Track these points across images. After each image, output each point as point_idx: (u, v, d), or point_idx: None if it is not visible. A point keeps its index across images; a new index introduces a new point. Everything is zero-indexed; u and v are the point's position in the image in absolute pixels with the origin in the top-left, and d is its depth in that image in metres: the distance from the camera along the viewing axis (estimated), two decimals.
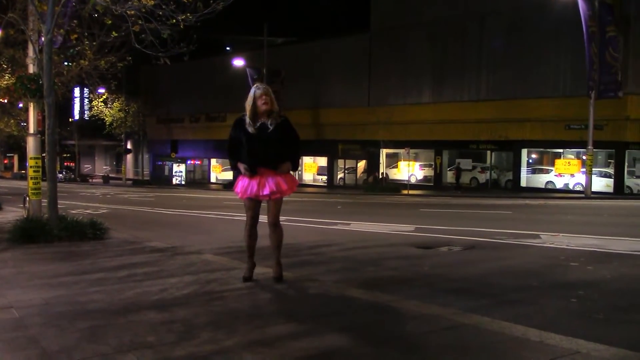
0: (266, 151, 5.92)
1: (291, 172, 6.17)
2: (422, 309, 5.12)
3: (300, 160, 6.21)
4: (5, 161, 77.39)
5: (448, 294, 6.35)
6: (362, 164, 41.62)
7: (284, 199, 6.19)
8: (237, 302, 5.37)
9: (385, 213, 18.83)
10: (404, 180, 35.71)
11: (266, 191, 5.96)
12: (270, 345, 4.06)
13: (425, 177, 38.51)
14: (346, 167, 42.54)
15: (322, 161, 43.18)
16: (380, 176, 38.39)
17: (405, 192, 33.14)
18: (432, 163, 37.73)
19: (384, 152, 38.87)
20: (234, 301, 5.39)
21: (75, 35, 14.26)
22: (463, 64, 34.35)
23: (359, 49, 39.17)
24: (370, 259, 8.94)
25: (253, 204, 6.16)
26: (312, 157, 43.87)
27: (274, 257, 6.26)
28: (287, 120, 6.05)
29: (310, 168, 44.36)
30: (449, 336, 4.28)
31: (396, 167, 39.50)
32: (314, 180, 44.04)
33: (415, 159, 38.48)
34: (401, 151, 36.34)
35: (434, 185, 36.93)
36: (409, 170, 36.66)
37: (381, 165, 39.27)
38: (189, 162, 51.90)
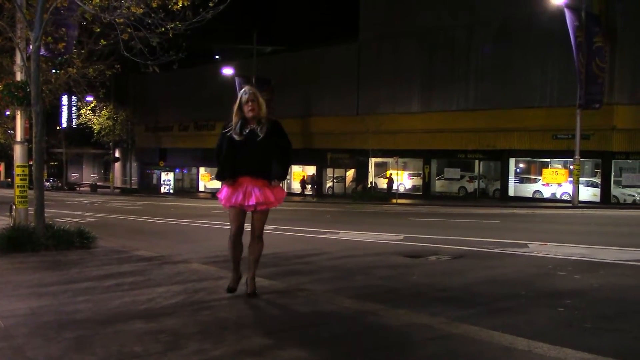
0: (253, 159, 5.64)
1: (278, 182, 5.82)
2: (411, 318, 5.12)
3: (289, 169, 5.95)
4: None
5: (437, 303, 6.36)
6: (350, 173, 41.68)
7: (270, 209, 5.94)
8: (225, 311, 5.34)
9: (374, 222, 18.85)
10: (393, 189, 35.80)
11: (252, 201, 5.64)
12: (258, 355, 4.04)
13: (413, 186, 38.61)
14: (335, 176, 42.58)
15: (311, 170, 43.20)
16: (369, 185, 38.44)
17: (394, 201, 33.20)
18: (421, 172, 37.84)
19: (372, 161, 38.93)
20: (222, 311, 5.36)
21: (63, 44, 14.19)
22: (452, 74, 34.56)
23: (348, 58, 39.31)
24: (359, 268, 8.93)
25: (238, 214, 5.82)
26: (301, 166, 43.88)
27: (250, 271, 5.91)
28: (277, 125, 5.75)
29: (299, 177, 44.36)
30: (438, 345, 4.28)
31: (385, 176, 39.61)
32: (303, 189, 44.02)
33: (404, 168, 38.60)
34: (390, 160, 36.45)
35: (422, 194, 37.01)
36: (397, 179, 36.75)
37: (370, 175, 39.33)
38: (177, 170, 51.72)
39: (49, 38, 12.07)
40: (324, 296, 6.13)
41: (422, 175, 37.86)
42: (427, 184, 37.35)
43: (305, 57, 41.76)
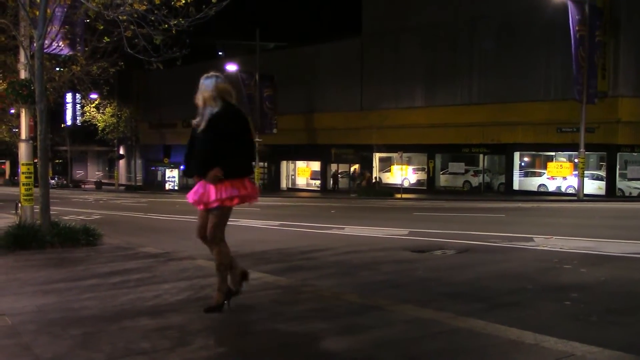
0: (191, 154, 5.14)
1: (211, 179, 4.96)
2: (417, 312, 5.12)
3: (240, 164, 5.00)
4: (3, 167, 76.95)
5: (442, 298, 6.35)
6: (355, 168, 41.64)
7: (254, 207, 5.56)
8: (231, 308, 5.34)
9: (379, 217, 18.83)
10: (397, 184, 35.75)
11: (190, 199, 5.16)
12: None
13: (418, 180, 38.57)
14: (339, 171, 42.57)
15: (316, 166, 43.18)
16: (373, 180, 38.43)
17: (399, 196, 33.18)
18: (425, 167, 37.78)
19: (377, 156, 38.89)
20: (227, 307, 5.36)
21: (67, 41, 14.20)
22: (455, 68, 34.46)
23: (351, 53, 39.24)
24: (365, 263, 8.93)
25: (199, 213, 5.24)
26: (305, 162, 43.86)
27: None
28: (222, 113, 5.03)
29: (304, 172, 44.37)
30: (444, 340, 4.28)
31: (389, 171, 39.54)
32: (307, 184, 44.04)
33: (409, 163, 38.55)
34: (394, 155, 36.37)
35: (427, 189, 36.96)
36: (402, 174, 36.69)
37: (374, 170, 39.30)
38: (182, 167, 51.78)
39: (53, 36, 12.07)
40: (329, 291, 6.13)
41: (426, 170, 37.81)
42: (431, 179, 37.29)
43: (308, 53, 41.70)
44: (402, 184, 35.89)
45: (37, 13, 10.21)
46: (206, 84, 5.13)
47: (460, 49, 34.50)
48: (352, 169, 41.59)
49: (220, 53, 51.59)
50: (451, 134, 34.52)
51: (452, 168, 36.81)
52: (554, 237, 11.48)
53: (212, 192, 4.94)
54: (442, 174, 37.35)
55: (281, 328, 4.60)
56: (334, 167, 42.36)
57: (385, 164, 39.93)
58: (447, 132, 34.62)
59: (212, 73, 5.31)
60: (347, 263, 8.95)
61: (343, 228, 14.17)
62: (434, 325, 4.65)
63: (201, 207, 5.08)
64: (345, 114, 39.17)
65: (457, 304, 5.97)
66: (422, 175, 38.38)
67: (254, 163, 5.32)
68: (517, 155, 33.79)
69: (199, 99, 5.14)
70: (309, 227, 14.58)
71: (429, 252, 9.80)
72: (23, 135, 12.33)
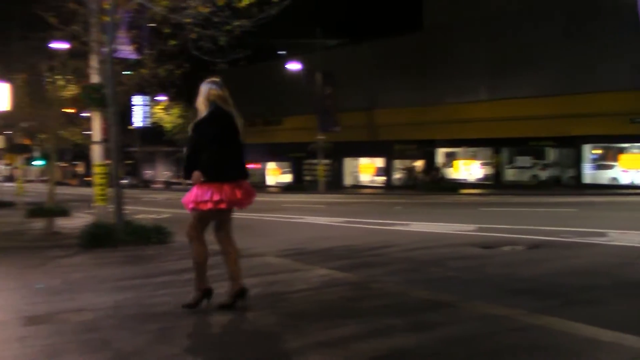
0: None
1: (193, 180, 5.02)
2: (488, 309, 5.04)
3: (220, 169, 4.95)
4: (77, 168, 80.00)
5: (513, 294, 6.22)
6: (418, 164, 41.25)
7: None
8: (303, 303, 5.40)
9: (445, 213, 18.57)
10: (462, 179, 35.19)
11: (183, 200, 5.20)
12: (337, 346, 4.07)
13: (484, 175, 37.85)
14: (406, 167, 42.23)
15: (378, 162, 43.03)
16: (438, 175, 37.99)
17: (464, 191, 32.67)
18: (491, 161, 37.04)
19: (440, 151, 38.39)
20: (299, 303, 5.43)
21: (136, 45, 14.61)
22: (520, 60, 33.56)
23: (413, 47, 38.83)
24: (432, 259, 8.84)
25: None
26: (369, 158, 43.76)
27: None
28: (207, 117, 5.09)
29: (368, 169, 44.28)
30: (517, 337, 4.20)
31: (453, 166, 38.97)
32: (372, 181, 43.92)
33: (473, 158, 37.89)
34: (458, 150, 35.82)
35: (493, 183, 36.23)
36: (467, 169, 36.09)
37: (438, 165, 38.82)
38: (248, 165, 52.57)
39: (121, 40, 12.44)
40: (398, 288, 6.11)
41: (492, 165, 37.07)
42: (497, 173, 36.53)
43: (369, 49, 41.52)
44: (467, 179, 35.32)
45: (107, 19, 10.57)
46: (201, 90, 5.21)
47: (525, 39, 33.58)
48: (412, 164, 41.23)
49: (281, 52, 52.05)
50: (517, 127, 33.68)
51: (519, 162, 35.96)
52: (631, 231, 11.05)
53: (191, 195, 5.01)
54: (509, 168, 36.53)
55: (351, 324, 4.61)
56: (378, 162, 42.03)
57: (449, 159, 39.39)
58: (513, 126, 33.80)
59: (209, 79, 5.37)
60: (415, 259, 8.88)
61: (409, 224, 14.06)
62: (506, 322, 4.56)
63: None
64: (407, 109, 38.82)
65: (529, 300, 5.84)
66: (487, 170, 37.66)
67: (240, 168, 5.16)
68: (587, 147, 32.70)
69: (197, 104, 5.22)
70: (374, 224, 14.54)
71: (498, 248, 9.62)
72: (96, 138, 12.81)
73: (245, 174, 5.20)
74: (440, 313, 4.90)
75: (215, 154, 4.92)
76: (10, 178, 56.03)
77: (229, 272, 5.20)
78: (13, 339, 4.47)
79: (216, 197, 4.88)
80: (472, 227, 13.01)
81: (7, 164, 50.21)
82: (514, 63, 33.84)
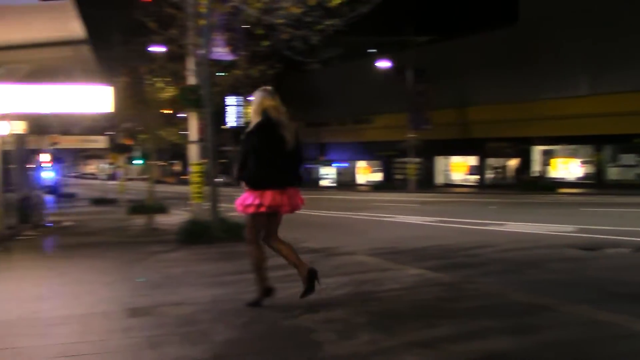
0: None
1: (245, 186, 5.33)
2: (590, 314, 4.81)
3: (258, 177, 5.16)
4: (174, 167, 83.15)
5: (619, 299, 5.91)
6: (513, 162, 40.03)
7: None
8: (394, 303, 5.35)
9: (541, 213, 17.90)
10: (561, 178, 33.79)
11: None
12: (430, 347, 4.00)
13: (585, 174, 36.20)
14: (497, 165, 41.12)
15: (472, 160, 42.10)
16: (535, 174, 36.69)
17: (563, 190, 31.39)
18: (591, 159, 35.37)
19: (537, 149, 37.07)
20: (390, 302, 5.38)
21: (229, 47, 14.98)
22: (624, 51, 31.84)
23: (507, 42, 37.65)
24: (529, 261, 8.54)
25: None
26: (461, 157, 42.90)
27: None
28: (254, 128, 5.29)
29: (460, 168, 43.42)
30: (622, 344, 3.98)
31: (550, 164, 37.52)
32: (464, 180, 43.04)
33: (572, 155, 36.33)
34: (556, 147, 34.43)
35: (595, 183, 34.58)
36: (565, 167, 34.63)
37: (534, 163, 37.50)
38: (336, 164, 52.80)
39: (216, 43, 12.78)
40: (494, 289, 5.94)
41: (593, 163, 35.39)
42: (599, 172, 34.84)
43: (461, 45, 40.65)
44: (565, 178, 33.90)
45: (203, 22, 10.89)
46: (254, 100, 5.35)
47: (630, 30, 31.84)
48: (503, 163, 40.07)
49: (372, 50, 51.94)
50: (620, 123, 31.97)
51: (623, 160, 34.12)
52: None
53: (240, 198, 5.28)
54: (612, 166, 34.75)
55: (444, 325, 4.52)
56: (470, 160, 40.99)
57: (547, 157, 37.95)
58: (616, 122, 32.10)
59: (262, 88, 5.45)
60: (511, 260, 8.61)
61: (504, 224, 13.65)
62: (610, 328, 4.34)
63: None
64: (501, 105, 37.72)
65: (635, 306, 5.52)
66: (588, 168, 35.99)
67: (282, 177, 5.26)
68: None
69: (251, 114, 5.41)
70: (467, 223, 14.23)
71: (600, 250, 9.17)
72: (193, 138, 13.25)
73: (289, 182, 5.32)
74: (539, 316, 4.72)
75: (256, 164, 5.16)
76: (113, 176, 58.95)
77: (291, 264, 5.31)
78: (117, 330, 4.69)
79: (257, 202, 5.12)
80: (571, 227, 12.47)
81: (110, 163, 52.86)
82: (618, 55, 32.15)
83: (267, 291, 5.33)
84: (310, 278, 5.20)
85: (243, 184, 5.28)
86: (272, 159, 5.18)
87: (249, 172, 5.20)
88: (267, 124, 5.22)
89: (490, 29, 38.68)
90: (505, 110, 37.25)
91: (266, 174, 5.17)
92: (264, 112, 5.25)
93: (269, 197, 5.14)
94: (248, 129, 5.32)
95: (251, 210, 5.16)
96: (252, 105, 5.34)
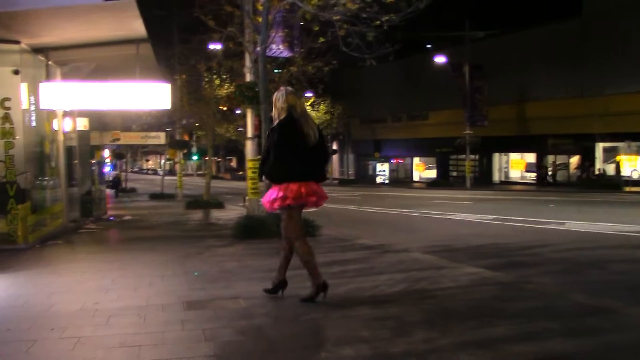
0: None
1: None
2: None
3: (277, 171, 5.26)
4: (230, 163, 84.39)
5: None
6: (574, 160, 38.92)
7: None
8: (450, 301, 5.28)
9: (605, 212, 17.33)
10: (626, 176, 32.61)
11: None
12: (486, 347, 3.92)
13: None
14: (557, 162, 40.06)
15: (530, 157, 41.11)
16: (597, 172, 35.56)
17: (628, 189, 30.32)
18: None
19: (599, 146, 35.92)
20: (446, 300, 5.31)
21: (286, 44, 15.06)
22: None
23: (569, 36, 36.59)
24: (592, 261, 8.28)
25: None
26: (519, 154, 41.97)
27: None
28: (277, 125, 5.37)
29: (518, 165, 42.49)
30: None
31: (615, 162, 36.30)
32: (522, 177, 42.11)
33: (638, 153, 35.04)
34: (620, 145, 33.24)
35: None
36: (631, 165, 33.40)
37: (597, 161, 36.35)
38: (392, 161, 52.48)
39: (274, 40, 12.85)
40: (552, 289, 5.78)
41: None
42: None
43: (520, 39, 39.73)
44: (630, 176, 32.71)
45: (260, 20, 10.98)
46: (276, 99, 5.41)
47: None
48: (553, 161, 39.00)
49: (428, 45, 51.39)
50: None
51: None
52: None
53: (265, 196, 5.40)
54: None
55: (502, 325, 4.42)
56: (528, 157, 39.94)
57: (610, 155, 36.72)
58: None
59: (283, 87, 5.53)
60: (571, 260, 8.37)
61: (564, 223, 13.28)
62: None
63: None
64: (562, 101, 36.70)
65: None
66: None
67: (305, 171, 5.29)
68: None
69: (273, 112, 5.50)
70: (525, 222, 13.91)
71: None
72: (249, 134, 13.39)
73: (312, 176, 5.35)
74: (601, 318, 4.57)
75: (277, 158, 5.21)
76: (171, 172, 60.12)
77: (306, 268, 5.41)
78: (174, 322, 4.78)
79: (281, 194, 5.18)
80: (637, 227, 12.03)
81: (168, 159, 53.90)
82: None
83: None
84: (319, 289, 5.28)
85: (264, 178, 5.41)
86: (294, 154, 5.23)
87: (270, 167, 5.28)
88: (288, 122, 5.29)
89: (552, 23, 37.69)
90: (567, 105, 36.24)
91: (288, 167, 5.22)
92: (289, 110, 5.31)
93: (293, 189, 5.19)
94: (272, 126, 5.44)
95: (277, 204, 5.23)
96: (277, 103, 5.40)
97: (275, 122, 5.38)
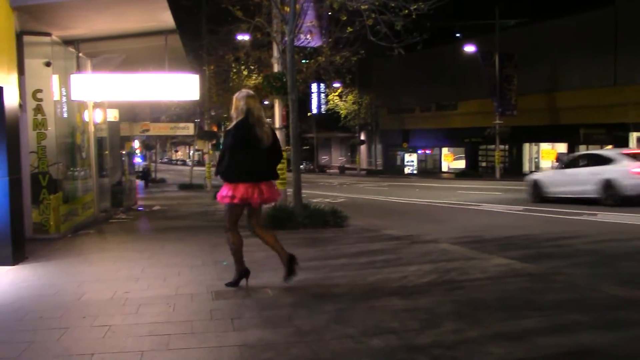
0: None
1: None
2: None
3: (229, 172, 5.64)
4: None
5: None
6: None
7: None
8: (479, 292, 5.23)
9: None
10: None
11: None
12: (516, 339, 3.88)
13: None
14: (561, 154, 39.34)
15: (561, 147, 40.49)
16: None
17: None
18: None
19: (633, 135, 35.24)
20: (475, 291, 5.26)
21: (314, 34, 15.01)
22: None
23: (602, 23, 35.84)
24: (625, 253, 8.13)
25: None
26: (549, 144, 41.37)
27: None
28: (232, 127, 5.74)
29: (549, 155, 41.91)
30: None
31: None
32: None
33: None
34: None
35: None
36: None
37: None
38: (420, 151, 52.16)
39: (301, 30, 12.83)
40: (585, 281, 5.69)
41: None
42: None
43: (551, 28, 39.04)
44: None
45: (288, 9, 10.95)
46: (233, 101, 5.74)
47: None
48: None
49: (457, 34, 50.83)
50: None
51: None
52: None
53: (220, 191, 5.77)
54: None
55: (532, 317, 4.37)
56: (560, 147, 39.22)
57: None
58: None
59: (241, 91, 5.91)
60: (604, 252, 8.23)
61: (596, 214, 13.05)
62: None
63: None
64: (595, 90, 36.03)
65: None
66: None
67: (254, 172, 5.62)
68: None
69: (231, 113, 5.90)
70: (556, 213, 13.70)
71: None
72: (277, 124, 13.41)
73: (262, 177, 5.68)
74: (635, 311, 4.48)
75: (230, 160, 5.57)
76: (200, 163, 60.58)
77: (275, 251, 5.87)
78: (203, 311, 4.82)
79: (230, 194, 5.58)
80: None
81: (197, 150, 54.28)
82: None
83: (244, 272, 5.78)
84: (291, 262, 5.72)
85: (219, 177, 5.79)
86: (245, 156, 5.56)
87: (223, 167, 5.63)
88: (244, 124, 5.59)
89: (584, 10, 36.95)
90: (599, 94, 35.56)
91: (239, 168, 5.57)
92: (246, 113, 5.60)
93: (241, 190, 5.56)
94: (228, 128, 5.88)
95: (226, 201, 5.63)
96: (237, 104, 5.67)
97: (233, 123, 5.70)
